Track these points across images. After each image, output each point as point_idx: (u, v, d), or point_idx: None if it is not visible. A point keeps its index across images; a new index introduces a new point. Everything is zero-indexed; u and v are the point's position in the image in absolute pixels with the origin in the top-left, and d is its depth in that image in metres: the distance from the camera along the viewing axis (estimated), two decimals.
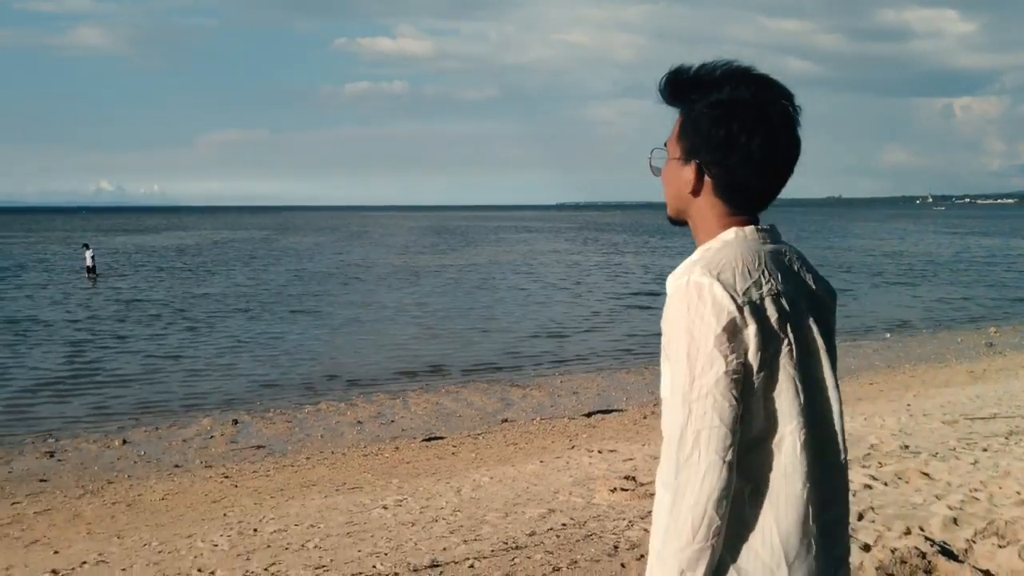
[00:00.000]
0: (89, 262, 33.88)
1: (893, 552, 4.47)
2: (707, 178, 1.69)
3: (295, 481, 8.65)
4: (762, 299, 1.59)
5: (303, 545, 5.81)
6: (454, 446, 9.96)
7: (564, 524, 5.70)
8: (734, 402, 1.55)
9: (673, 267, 1.71)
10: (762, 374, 1.58)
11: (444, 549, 5.33)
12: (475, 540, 5.51)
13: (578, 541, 5.24)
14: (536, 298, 26.45)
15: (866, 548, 4.55)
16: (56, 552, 6.50)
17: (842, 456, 1.73)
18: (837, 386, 1.73)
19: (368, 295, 27.26)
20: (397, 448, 10.01)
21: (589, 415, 11.46)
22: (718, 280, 1.57)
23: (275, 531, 6.37)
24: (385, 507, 6.85)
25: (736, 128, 1.63)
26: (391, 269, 38.04)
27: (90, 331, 19.70)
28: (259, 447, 10.32)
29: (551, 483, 7.14)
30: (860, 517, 5.14)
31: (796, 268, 1.72)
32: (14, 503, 8.36)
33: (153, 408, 12.39)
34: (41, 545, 6.92)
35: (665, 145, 1.77)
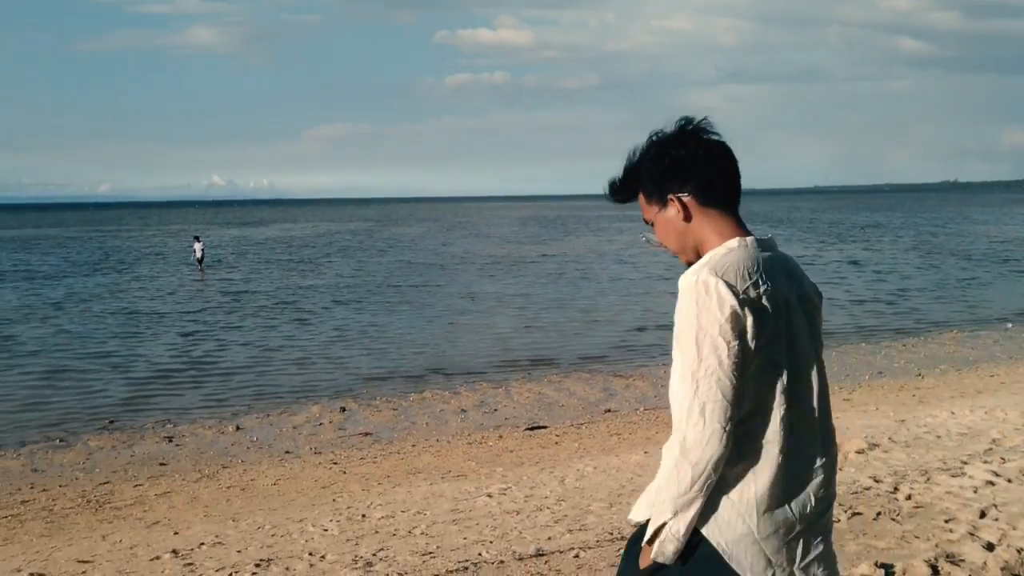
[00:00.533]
0: (199, 254, 35.14)
1: (1020, 552, 4.28)
2: (686, 198, 2.07)
3: (401, 468, 8.79)
4: (759, 296, 1.92)
5: (410, 531, 5.89)
6: (557, 435, 9.96)
7: None
8: (735, 380, 1.89)
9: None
10: (756, 359, 1.91)
11: (549, 538, 5.34)
12: (580, 530, 5.50)
13: None
14: (639, 288, 26.23)
15: (989, 547, 4.37)
16: (176, 533, 6.75)
17: (818, 429, 2.04)
18: (821, 370, 2.06)
19: (470, 286, 27.50)
20: (501, 437, 10.07)
21: None
22: (722, 279, 1.91)
23: (382, 517, 6.47)
24: (490, 495, 6.89)
25: (673, 151, 2.06)
26: (492, 260, 38.27)
27: (202, 322, 20.43)
28: (366, 434, 10.53)
29: (656, 474, 7.05)
30: (983, 515, 4.93)
31: (788, 272, 2.05)
32: (136, 485, 8.73)
33: (264, 396, 12.78)
34: (162, 526, 7.20)
35: (646, 222, 2.19)
